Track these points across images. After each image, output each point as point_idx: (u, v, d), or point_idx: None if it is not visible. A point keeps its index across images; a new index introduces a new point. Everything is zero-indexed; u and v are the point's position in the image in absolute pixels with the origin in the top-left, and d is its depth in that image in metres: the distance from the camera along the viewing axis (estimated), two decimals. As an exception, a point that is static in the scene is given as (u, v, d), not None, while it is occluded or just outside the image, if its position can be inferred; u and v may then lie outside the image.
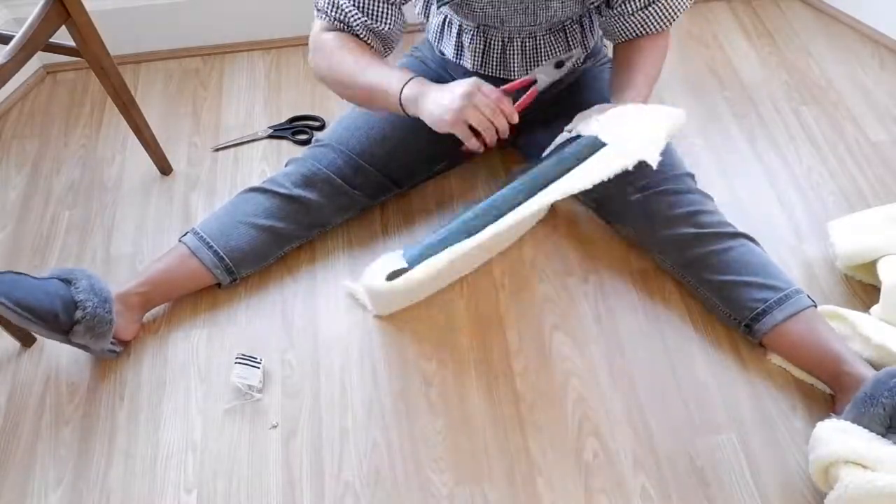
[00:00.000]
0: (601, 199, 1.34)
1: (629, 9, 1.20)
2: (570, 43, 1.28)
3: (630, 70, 1.24)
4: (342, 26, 1.19)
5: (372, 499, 1.10)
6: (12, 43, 1.21)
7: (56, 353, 1.26)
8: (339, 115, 1.43)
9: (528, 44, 1.25)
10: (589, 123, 1.13)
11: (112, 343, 1.22)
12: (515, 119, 1.09)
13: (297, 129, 1.62)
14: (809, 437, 1.08)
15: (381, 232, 1.43)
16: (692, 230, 1.24)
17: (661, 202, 1.26)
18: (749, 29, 1.83)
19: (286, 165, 1.38)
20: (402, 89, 1.11)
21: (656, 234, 1.27)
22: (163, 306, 1.32)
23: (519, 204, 1.12)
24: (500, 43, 1.25)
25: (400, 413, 1.19)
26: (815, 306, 1.20)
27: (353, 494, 1.11)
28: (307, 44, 1.85)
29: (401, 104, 1.12)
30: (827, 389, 1.18)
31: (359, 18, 1.17)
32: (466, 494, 1.10)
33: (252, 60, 1.80)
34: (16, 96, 1.72)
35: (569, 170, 1.11)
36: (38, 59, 1.76)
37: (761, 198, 1.47)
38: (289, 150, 1.59)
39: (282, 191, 1.32)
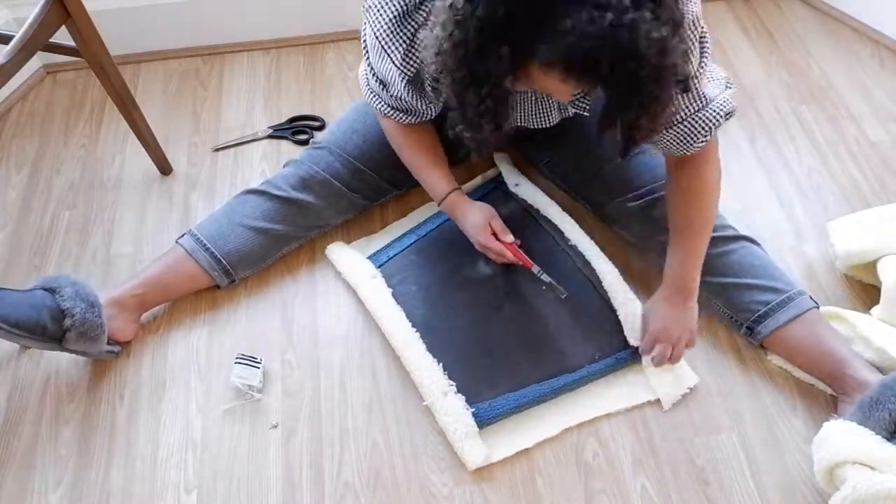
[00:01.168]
0: (600, 205, 1.35)
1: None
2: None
3: (682, 217, 1.17)
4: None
5: (372, 499, 1.10)
6: (12, 43, 1.21)
7: (56, 354, 1.26)
8: (337, 116, 1.43)
9: (520, 97, 1.19)
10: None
11: (109, 344, 1.22)
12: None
13: (297, 129, 1.62)
14: (809, 436, 1.08)
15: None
16: None
17: (660, 208, 1.26)
18: (749, 29, 1.83)
19: (284, 167, 1.37)
20: (441, 203, 1.27)
21: (656, 239, 1.27)
22: (163, 306, 1.32)
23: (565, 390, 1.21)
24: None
25: (400, 413, 1.19)
26: (818, 307, 1.20)
27: (353, 494, 1.11)
28: (307, 44, 1.84)
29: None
30: (828, 390, 1.18)
31: (404, 118, 1.22)
32: (466, 494, 1.10)
33: (252, 60, 1.80)
34: (16, 96, 1.72)
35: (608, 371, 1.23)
36: (38, 59, 1.76)
37: (761, 198, 1.47)
38: (289, 150, 1.59)
39: (279, 193, 1.32)
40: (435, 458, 1.14)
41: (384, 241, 1.39)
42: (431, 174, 1.28)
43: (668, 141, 1.09)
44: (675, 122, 1.06)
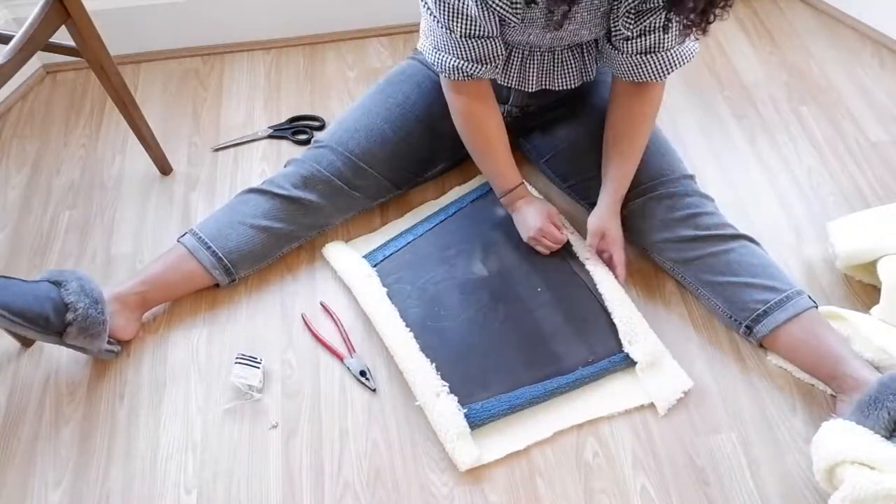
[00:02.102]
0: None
1: (628, 49, 1.17)
2: (587, 59, 1.27)
3: (627, 142, 1.27)
4: (469, 79, 1.22)
5: (372, 499, 1.10)
6: (12, 43, 1.21)
7: (56, 353, 1.26)
8: (338, 115, 1.43)
9: (547, 57, 1.24)
10: (637, 346, 1.22)
11: (110, 343, 1.22)
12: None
13: (297, 129, 1.62)
14: (809, 436, 1.08)
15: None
16: (691, 232, 1.24)
17: (657, 206, 1.27)
18: (749, 29, 1.83)
19: (285, 166, 1.37)
20: (502, 197, 1.34)
21: (654, 237, 1.27)
22: (163, 306, 1.32)
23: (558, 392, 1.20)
24: (521, 55, 1.24)
25: (399, 413, 1.19)
26: (816, 307, 1.20)
27: (353, 494, 1.11)
28: (307, 44, 1.84)
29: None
30: (828, 390, 1.18)
31: (480, 70, 1.19)
32: (466, 494, 1.10)
33: (252, 60, 1.80)
34: (16, 96, 1.72)
35: (601, 374, 1.23)
36: (38, 59, 1.76)
37: (761, 198, 1.47)
38: (289, 150, 1.59)
39: (281, 192, 1.32)
40: (435, 458, 1.14)
41: (381, 240, 1.40)
42: (500, 163, 1.32)
43: (650, 66, 1.19)
44: (662, 50, 1.17)
